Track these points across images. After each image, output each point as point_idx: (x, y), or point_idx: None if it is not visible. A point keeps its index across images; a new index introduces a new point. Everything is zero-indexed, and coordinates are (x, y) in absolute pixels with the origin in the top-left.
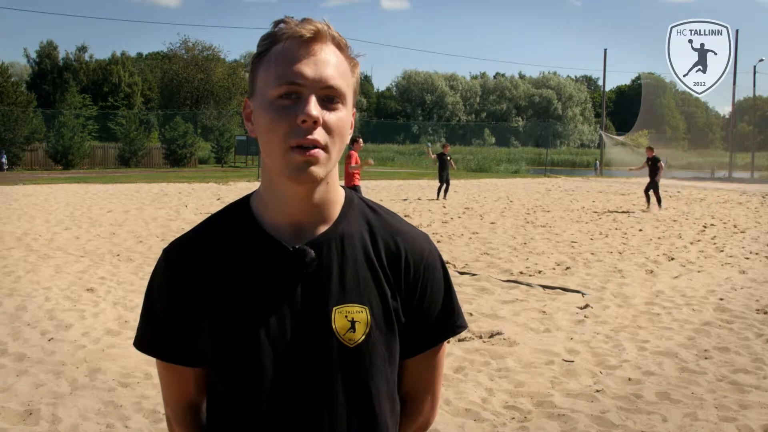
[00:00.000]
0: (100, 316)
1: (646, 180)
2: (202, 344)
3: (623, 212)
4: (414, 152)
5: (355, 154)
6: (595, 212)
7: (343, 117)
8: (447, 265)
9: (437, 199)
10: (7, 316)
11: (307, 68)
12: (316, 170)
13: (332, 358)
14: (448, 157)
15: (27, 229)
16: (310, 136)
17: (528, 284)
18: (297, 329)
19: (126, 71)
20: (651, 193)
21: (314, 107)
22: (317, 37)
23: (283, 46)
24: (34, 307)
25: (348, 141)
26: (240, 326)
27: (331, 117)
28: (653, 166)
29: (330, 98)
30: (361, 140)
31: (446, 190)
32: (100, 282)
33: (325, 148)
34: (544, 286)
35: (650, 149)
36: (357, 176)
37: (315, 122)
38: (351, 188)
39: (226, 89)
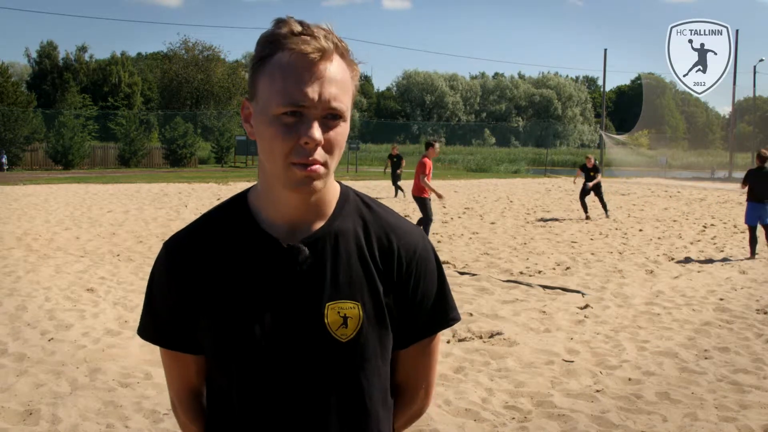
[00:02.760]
0: (100, 316)
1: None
2: (200, 336)
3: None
4: (414, 153)
5: (428, 163)
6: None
7: (343, 132)
8: (447, 265)
9: (395, 196)
10: (7, 316)
11: (312, 90)
12: (317, 184)
13: (324, 352)
14: (395, 159)
15: (27, 229)
16: (311, 157)
17: (528, 284)
18: (290, 325)
19: (126, 71)
20: (585, 198)
21: (317, 130)
22: (323, 56)
23: (288, 59)
24: (34, 307)
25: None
26: (235, 321)
27: (331, 135)
28: (591, 176)
29: (332, 116)
30: (437, 145)
31: (397, 189)
32: (100, 282)
33: (324, 164)
34: (544, 286)
35: (588, 158)
36: (426, 190)
37: (317, 144)
38: (420, 199)
39: (226, 89)
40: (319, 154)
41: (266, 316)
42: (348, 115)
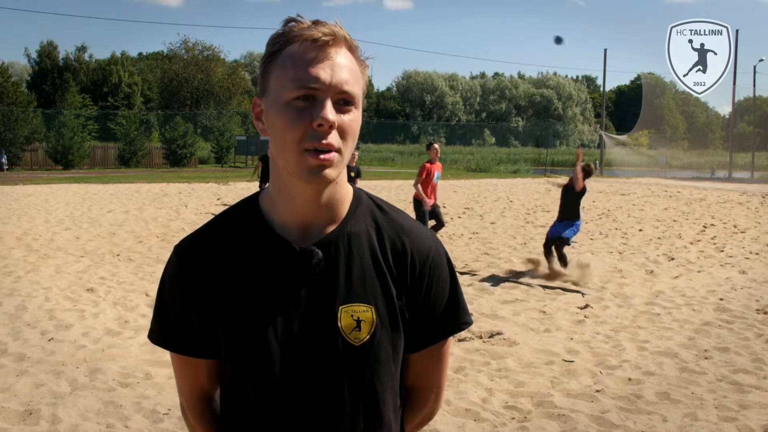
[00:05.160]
0: (100, 316)
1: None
2: (214, 340)
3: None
4: (413, 153)
5: (425, 167)
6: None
7: (356, 119)
8: None
9: None
10: (7, 316)
11: (324, 72)
12: (330, 173)
13: (338, 356)
14: (353, 174)
15: (27, 229)
16: (325, 140)
17: (528, 284)
18: (304, 328)
19: (126, 71)
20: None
21: (330, 111)
22: (333, 40)
23: (299, 47)
24: (34, 307)
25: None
26: (248, 325)
27: (345, 120)
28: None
29: (345, 101)
30: (435, 145)
31: None
32: (100, 282)
33: (339, 151)
34: (544, 286)
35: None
36: (427, 193)
37: (330, 126)
38: (414, 202)
39: (226, 89)
40: (334, 138)
41: (279, 319)
42: (360, 104)
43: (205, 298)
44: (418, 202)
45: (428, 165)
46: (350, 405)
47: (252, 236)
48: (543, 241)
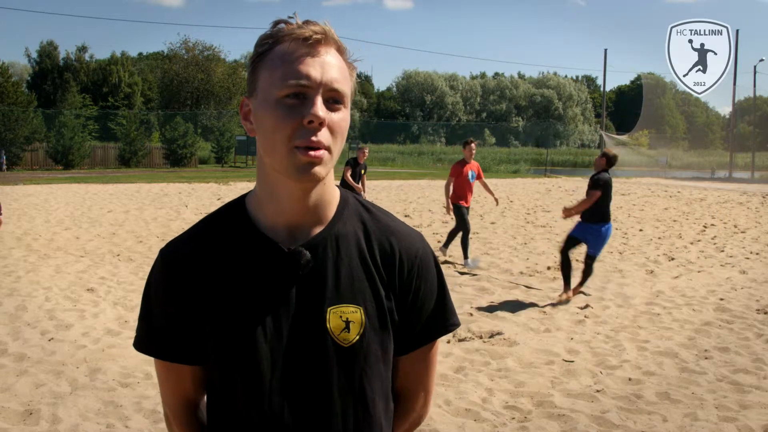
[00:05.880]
0: (100, 316)
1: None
2: (203, 344)
3: None
4: (413, 153)
5: (454, 168)
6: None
7: (345, 118)
8: (447, 265)
9: None
10: (7, 316)
11: (314, 70)
12: (319, 170)
13: (327, 357)
14: (363, 171)
15: (27, 229)
16: (314, 138)
17: (528, 284)
18: (293, 330)
19: (126, 71)
20: None
21: (321, 109)
22: (322, 39)
23: (288, 46)
24: (34, 307)
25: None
26: (237, 327)
27: (334, 118)
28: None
29: (334, 100)
30: (471, 145)
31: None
32: (100, 282)
33: (328, 149)
34: (544, 287)
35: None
36: (461, 196)
37: (321, 123)
38: (454, 206)
39: (226, 89)
40: (323, 136)
41: (268, 321)
42: (348, 104)
43: (194, 302)
44: (456, 206)
45: (458, 166)
46: (340, 406)
47: (239, 238)
48: (542, 241)
